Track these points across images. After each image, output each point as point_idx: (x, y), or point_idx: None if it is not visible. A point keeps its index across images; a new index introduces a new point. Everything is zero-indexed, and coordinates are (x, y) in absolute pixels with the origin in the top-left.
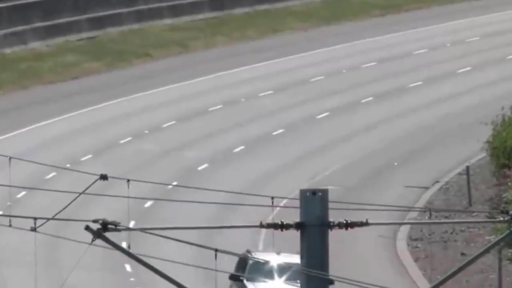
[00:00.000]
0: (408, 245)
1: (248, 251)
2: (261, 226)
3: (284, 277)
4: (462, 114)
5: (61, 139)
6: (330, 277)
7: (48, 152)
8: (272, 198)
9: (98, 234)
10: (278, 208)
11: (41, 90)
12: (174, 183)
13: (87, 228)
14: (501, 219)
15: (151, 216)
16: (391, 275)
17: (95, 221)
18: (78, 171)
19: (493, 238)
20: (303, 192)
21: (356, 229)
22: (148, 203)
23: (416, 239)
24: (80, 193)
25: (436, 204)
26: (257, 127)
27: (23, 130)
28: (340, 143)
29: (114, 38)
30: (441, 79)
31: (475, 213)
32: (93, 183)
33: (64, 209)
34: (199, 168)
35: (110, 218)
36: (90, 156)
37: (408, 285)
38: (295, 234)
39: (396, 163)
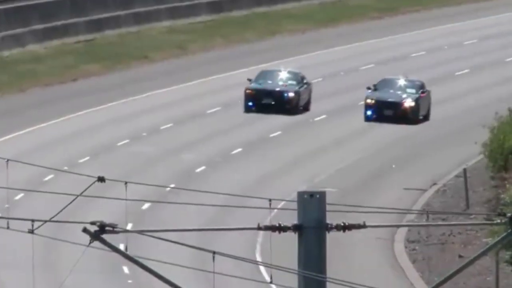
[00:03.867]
0: (405, 247)
1: None
2: (259, 228)
3: None
4: (460, 116)
5: (59, 141)
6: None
7: (46, 154)
8: (270, 200)
9: (96, 236)
10: (275, 210)
11: (39, 92)
12: (172, 185)
13: (85, 230)
14: (499, 221)
15: (149, 218)
16: (389, 277)
17: (92, 223)
18: (76, 173)
19: (491, 241)
20: (300, 194)
21: (354, 231)
22: (146, 205)
23: (413, 241)
24: (78, 195)
25: (434, 207)
26: (254, 129)
27: (21, 132)
28: (338, 145)
29: (112, 41)
30: (439, 81)
31: (473, 216)
32: (91, 185)
33: (61, 211)
34: (197, 170)
35: (107, 220)
36: (87, 158)
37: (405, 287)
38: (293, 236)
39: (394, 166)
